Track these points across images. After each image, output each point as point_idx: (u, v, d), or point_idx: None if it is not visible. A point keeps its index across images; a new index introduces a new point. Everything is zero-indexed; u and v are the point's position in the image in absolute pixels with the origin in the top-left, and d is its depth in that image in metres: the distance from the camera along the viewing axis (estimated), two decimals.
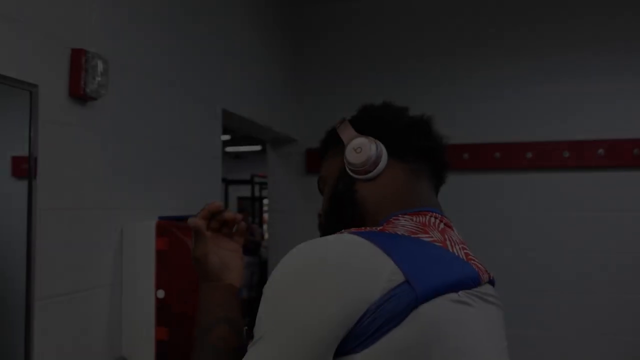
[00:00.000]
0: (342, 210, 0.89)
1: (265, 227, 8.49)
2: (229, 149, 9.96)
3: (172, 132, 2.01)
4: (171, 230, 1.68)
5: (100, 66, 1.52)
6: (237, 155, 11.12)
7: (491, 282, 0.83)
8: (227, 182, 8.71)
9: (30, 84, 1.33)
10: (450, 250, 0.76)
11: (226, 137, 7.89)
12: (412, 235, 0.75)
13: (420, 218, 0.81)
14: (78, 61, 1.48)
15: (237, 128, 3.08)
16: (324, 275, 0.67)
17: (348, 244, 0.70)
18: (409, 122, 0.92)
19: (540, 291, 2.98)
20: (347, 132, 0.91)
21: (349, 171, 0.88)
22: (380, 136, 0.88)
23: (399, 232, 0.76)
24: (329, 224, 0.90)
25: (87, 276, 1.54)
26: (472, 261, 0.78)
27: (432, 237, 0.77)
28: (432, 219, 0.82)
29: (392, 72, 3.23)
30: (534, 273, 2.99)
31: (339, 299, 0.65)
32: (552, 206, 3.00)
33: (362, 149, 0.86)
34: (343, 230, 0.75)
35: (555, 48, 3.02)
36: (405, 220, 0.80)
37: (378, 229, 0.77)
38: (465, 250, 0.79)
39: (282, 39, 3.23)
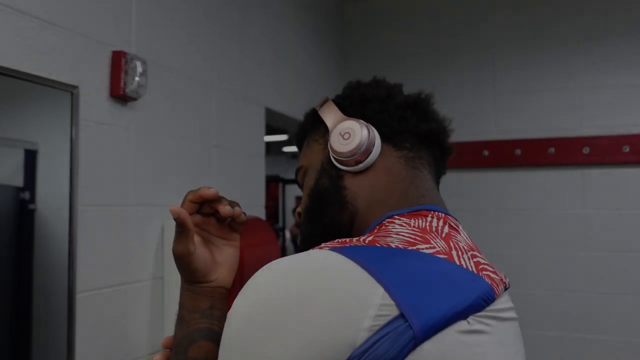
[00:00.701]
0: (326, 210, 0.74)
1: None
2: (286, 149, 10.09)
3: (214, 130, 2.05)
4: None
5: (139, 67, 1.57)
6: (294, 155, 11.25)
7: (506, 288, 0.68)
8: (284, 182, 8.82)
9: (71, 86, 1.39)
10: (457, 262, 0.60)
11: (283, 137, 8.03)
12: (410, 247, 0.58)
13: (420, 221, 0.65)
14: (118, 63, 1.53)
15: (284, 127, 3.10)
16: (292, 315, 0.51)
17: (325, 269, 0.54)
18: (405, 101, 0.76)
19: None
20: (331, 114, 0.75)
21: (334, 161, 0.73)
22: (371, 118, 0.74)
23: (393, 244, 0.59)
24: (310, 227, 0.76)
25: (128, 270, 1.59)
26: (485, 271, 0.62)
27: (434, 247, 0.60)
28: (435, 221, 0.66)
29: (439, 67, 3.16)
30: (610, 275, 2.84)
31: (312, 346, 0.50)
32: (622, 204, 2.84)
33: (350, 134, 0.71)
34: (323, 245, 0.58)
35: (603, 39, 2.86)
36: (400, 225, 0.64)
37: (367, 239, 0.60)
38: (475, 259, 0.63)
39: (328, 36, 3.22)
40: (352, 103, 0.77)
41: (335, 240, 0.59)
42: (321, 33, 3.14)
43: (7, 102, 1.31)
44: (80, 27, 1.44)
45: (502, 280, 0.64)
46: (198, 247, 0.70)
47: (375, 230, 0.65)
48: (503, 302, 0.62)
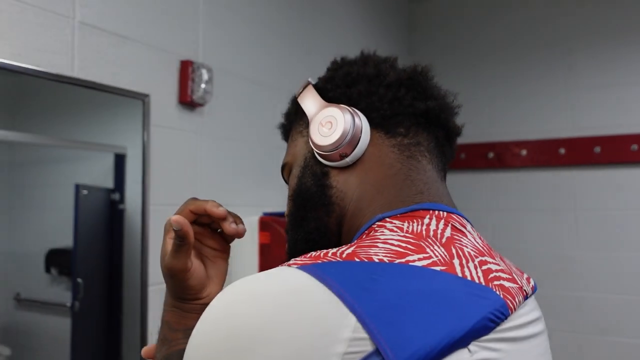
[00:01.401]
0: (310, 214, 0.63)
1: None
2: None
3: (278, 132, 2.12)
4: (272, 225, 1.79)
5: (205, 75, 1.67)
6: None
7: (527, 296, 0.57)
8: None
9: (142, 94, 1.51)
10: (460, 273, 0.49)
11: None
12: (397, 260, 0.48)
13: (414, 224, 0.54)
14: (186, 71, 1.63)
15: None
16: (247, 354, 0.42)
17: (288, 295, 0.44)
18: (397, 78, 0.63)
19: None
20: (310, 101, 0.65)
21: (318, 157, 0.63)
22: (358, 102, 0.63)
23: (376, 256, 0.48)
24: (294, 233, 0.65)
25: None
26: (497, 280, 0.51)
27: (430, 256, 0.49)
28: (433, 223, 0.54)
29: (511, 64, 3.07)
30: None
31: None
32: None
33: (332, 123, 0.60)
34: (293, 261, 0.48)
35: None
36: (391, 230, 0.53)
37: (346, 252, 0.49)
38: (485, 266, 0.52)
39: (394, 36, 3.23)
40: (336, 86, 0.65)
41: (309, 254, 0.49)
42: (387, 33, 3.15)
43: (92, 111, 1.45)
44: (151, 40, 1.55)
45: (521, 288, 0.54)
46: (194, 262, 0.64)
47: (364, 237, 0.55)
48: (523, 315, 0.52)
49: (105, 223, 1.54)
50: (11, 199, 1.56)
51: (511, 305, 0.50)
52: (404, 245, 0.50)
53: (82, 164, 1.54)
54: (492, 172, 3.07)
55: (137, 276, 1.50)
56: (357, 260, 0.47)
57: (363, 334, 0.41)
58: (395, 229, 0.53)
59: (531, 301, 0.58)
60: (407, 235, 0.52)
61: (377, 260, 0.47)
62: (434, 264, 0.49)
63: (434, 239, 0.52)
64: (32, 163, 1.61)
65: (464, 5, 3.26)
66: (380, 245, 0.50)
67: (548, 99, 2.98)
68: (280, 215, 1.86)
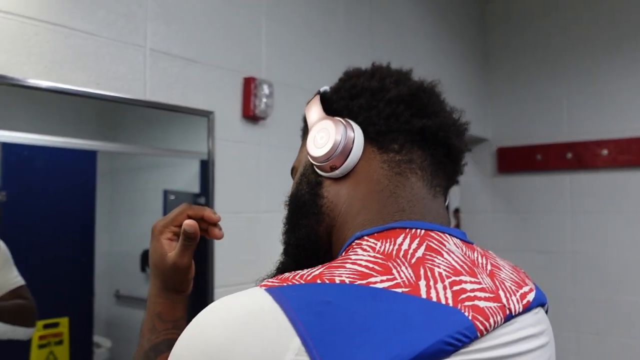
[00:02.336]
0: (302, 221, 0.65)
1: None
2: None
3: None
4: None
5: (266, 89, 1.78)
6: None
7: (515, 314, 0.55)
8: None
9: (207, 111, 1.64)
10: (424, 294, 0.49)
11: None
12: (359, 282, 0.49)
13: (387, 243, 0.54)
14: (248, 88, 1.75)
15: None
16: None
17: (247, 319, 0.47)
18: (398, 94, 0.63)
19: None
20: (313, 111, 0.67)
21: (314, 166, 0.65)
22: (357, 116, 0.64)
23: (340, 278, 0.49)
24: (286, 238, 0.68)
25: (259, 270, 1.80)
26: (470, 301, 0.50)
27: (394, 278, 0.50)
28: (406, 243, 0.55)
29: (590, 63, 2.93)
30: None
31: None
32: None
33: (325, 136, 0.62)
34: (265, 282, 0.51)
35: None
36: (364, 250, 0.54)
37: (312, 274, 0.50)
38: (459, 286, 0.51)
39: (467, 37, 3.18)
40: (341, 97, 0.67)
41: (281, 276, 0.51)
42: (459, 35, 3.12)
43: (168, 127, 1.61)
44: (216, 61, 1.69)
45: (503, 307, 0.53)
46: (192, 263, 0.73)
47: (344, 254, 0.56)
48: (506, 334, 0.52)
49: None
50: (112, 204, 1.76)
51: (481, 327, 0.49)
52: (370, 266, 0.51)
53: (169, 171, 1.70)
54: (571, 173, 2.96)
55: (209, 279, 1.64)
56: (319, 282, 0.49)
57: (305, 357, 0.43)
58: (368, 248, 0.54)
59: (526, 317, 0.56)
60: (376, 255, 0.53)
61: (338, 282, 0.49)
62: (397, 285, 0.49)
63: (403, 259, 0.52)
64: (127, 171, 1.80)
65: (539, 3, 3.15)
66: (348, 265, 0.51)
67: (631, 95, 2.82)
68: None
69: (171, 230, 0.73)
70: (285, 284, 0.49)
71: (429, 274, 0.51)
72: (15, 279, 1.42)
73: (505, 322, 0.52)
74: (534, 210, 3.06)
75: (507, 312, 0.53)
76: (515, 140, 3.14)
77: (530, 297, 0.59)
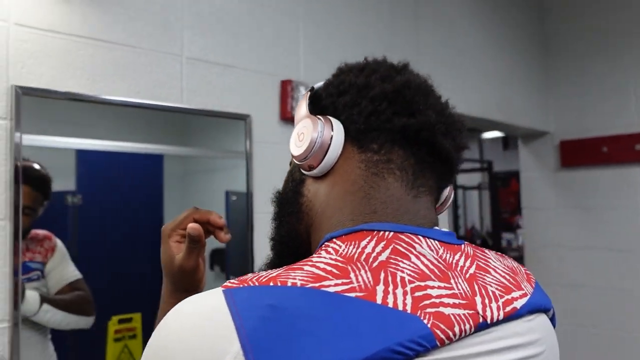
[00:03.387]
0: (284, 219, 0.67)
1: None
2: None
3: None
4: None
5: (303, 92, 1.81)
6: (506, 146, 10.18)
7: (491, 322, 0.52)
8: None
9: (244, 115, 1.70)
10: (380, 300, 0.48)
11: (497, 134, 7.53)
12: (310, 285, 0.48)
13: (351, 246, 0.53)
14: (285, 90, 1.79)
15: (479, 127, 3.06)
16: None
17: (197, 319, 0.48)
18: (382, 91, 0.61)
19: None
20: (300, 109, 0.66)
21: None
22: (341, 113, 0.62)
23: (294, 280, 0.48)
24: (273, 232, 0.69)
25: None
26: (433, 307, 0.49)
27: (350, 282, 0.49)
28: (371, 245, 0.53)
29: None
30: None
31: None
32: None
33: (304, 134, 0.61)
34: (228, 282, 0.50)
35: None
36: (328, 252, 0.53)
37: (269, 276, 0.50)
38: (423, 291, 0.49)
39: (521, 23, 3.07)
40: (329, 94, 0.65)
41: (244, 276, 0.51)
42: (514, 22, 3.01)
43: (216, 131, 1.69)
44: (252, 65, 1.74)
45: (476, 314, 0.50)
46: (200, 263, 0.74)
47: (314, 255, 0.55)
48: (477, 344, 0.50)
49: (244, 227, 1.76)
50: (180, 205, 1.86)
51: (442, 335, 0.47)
52: (328, 269, 0.50)
53: (231, 173, 1.77)
54: None
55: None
56: (272, 284, 0.48)
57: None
58: (332, 250, 0.53)
59: (511, 326, 0.53)
60: (337, 258, 0.51)
61: (290, 285, 0.48)
62: (352, 289, 0.48)
63: (364, 263, 0.51)
64: (193, 173, 1.91)
65: None
66: (306, 268, 0.50)
67: None
68: None
69: (179, 234, 0.74)
70: (241, 286, 0.49)
71: (389, 278, 0.50)
72: (72, 272, 1.54)
73: (478, 330, 0.50)
74: (601, 206, 2.90)
75: (480, 319, 0.50)
76: (579, 133, 2.99)
77: (519, 303, 0.55)
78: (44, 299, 1.42)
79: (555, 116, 3.11)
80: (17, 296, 1.27)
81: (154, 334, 0.51)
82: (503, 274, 0.58)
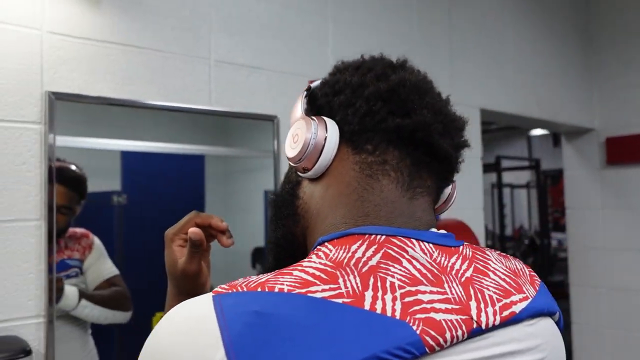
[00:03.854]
0: (281, 221, 0.66)
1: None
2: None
3: None
4: None
5: None
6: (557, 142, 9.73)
7: (486, 327, 0.50)
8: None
9: (271, 116, 1.71)
10: (368, 306, 0.47)
11: (543, 132, 7.28)
12: (297, 291, 0.47)
13: (341, 251, 0.52)
14: None
15: (522, 125, 2.98)
16: None
17: (186, 323, 0.48)
18: (377, 90, 0.59)
19: None
20: (294, 110, 0.65)
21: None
22: (336, 113, 0.61)
23: (281, 286, 0.48)
24: (270, 234, 0.68)
25: None
26: (424, 313, 0.47)
27: (338, 287, 0.48)
28: (361, 250, 0.52)
29: None
30: None
31: None
32: None
33: (298, 136, 0.61)
34: (219, 287, 0.50)
35: None
36: (318, 257, 0.52)
37: (258, 282, 0.49)
38: (413, 297, 0.48)
39: (563, 16, 2.96)
40: (325, 94, 0.63)
41: (235, 281, 0.51)
42: (556, 15, 2.91)
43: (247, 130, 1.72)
44: (280, 67, 1.76)
45: (469, 319, 0.49)
46: (203, 267, 0.74)
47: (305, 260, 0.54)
48: (471, 350, 0.49)
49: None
50: (223, 204, 1.91)
51: (431, 342, 0.46)
52: (317, 274, 0.49)
53: (267, 172, 1.81)
54: None
55: None
56: (259, 290, 0.47)
57: None
58: (322, 255, 0.52)
59: (509, 331, 0.52)
60: (327, 263, 0.50)
61: (277, 290, 0.47)
62: (339, 295, 0.47)
63: (353, 268, 0.50)
64: (233, 173, 1.95)
65: None
66: (295, 273, 0.49)
67: None
68: None
69: (181, 238, 0.73)
70: (230, 291, 0.48)
71: (378, 284, 0.49)
72: (109, 269, 1.60)
73: (472, 336, 0.48)
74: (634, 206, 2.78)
75: (474, 325, 0.49)
76: (626, 129, 2.87)
77: (519, 307, 0.53)
78: (82, 295, 1.48)
79: (600, 112, 2.99)
80: (52, 292, 1.33)
81: (148, 337, 0.51)
82: (503, 277, 0.56)
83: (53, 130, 1.33)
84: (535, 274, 0.63)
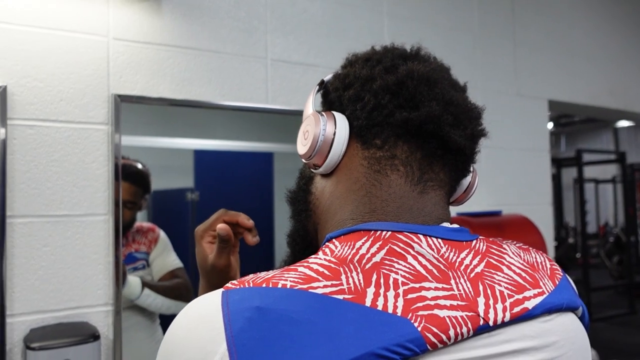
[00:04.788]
0: (296, 217, 0.67)
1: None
2: None
3: (491, 131, 2.11)
4: (462, 226, 1.82)
5: None
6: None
7: (494, 324, 0.49)
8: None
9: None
10: (370, 303, 0.46)
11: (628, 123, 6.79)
12: (299, 287, 0.47)
13: (346, 247, 0.52)
14: None
15: (596, 116, 2.82)
16: None
17: (194, 321, 0.49)
18: (384, 82, 0.58)
19: None
20: (307, 105, 0.64)
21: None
22: (346, 108, 0.60)
23: (285, 281, 0.48)
24: (287, 234, 0.69)
25: None
26: (426, 310, 0.47)
27: (340, 283, 0.47)
28: (366, 246, 0.51)
29: None
30: None
31: None
32: None
33: (308, 132, 0.60)
34: (230, 282, 0.51)
35: None
36: (324, 253, 0.52)
37: (266, 277, 0.50)
38: (417, 293, 0.48)
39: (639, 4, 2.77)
40: (335, 88, 0.63)
41: (244, 277, 0.51)
42: (628, 1, 2.73)
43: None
44: (336, 63, 1.77)
45: (476, 316, 0.48)
46: (231, 258, 0.76)
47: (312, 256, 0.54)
48: (471, 348, 0.47)
49: None
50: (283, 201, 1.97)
51: (433, 339, 0.45)
52: (320, 270, 0.49)
53: None
54: None
55: None
56: (264, 286, 0.48)
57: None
58: (328, 251, 0.52)
59: (521, 327, 0.50)
60: (331, 259, 0.50)
61: (280, 287, 0.47)
62: (340, 292, 0.46)
63: (357, 264, 0.49)
64: (290, 170, 2.00)
65: None
66: (300, 269, 0.49)
67: None
68: (472, 215, 1.87)
69: (210, 235, 0.76)
70: (239, 287, 0.49)
71: (381, 280, 0.48)
72: (174, 261, 1.68)
73: (478, 333, 0.47)
74: None
75: (481, 322, 0.47)
76: None
77: (532, 303, 0.51)
78: (145, 284, 1.57)
79: None
80: (119, 282, 1.43)
81: (166, 334, 0.53)
82: (518, 271, 0.54)
83: (119, 131, 1.42)
84: (557, 268, 0.60)
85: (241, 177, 1.87)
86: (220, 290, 0.49)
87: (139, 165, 1.59)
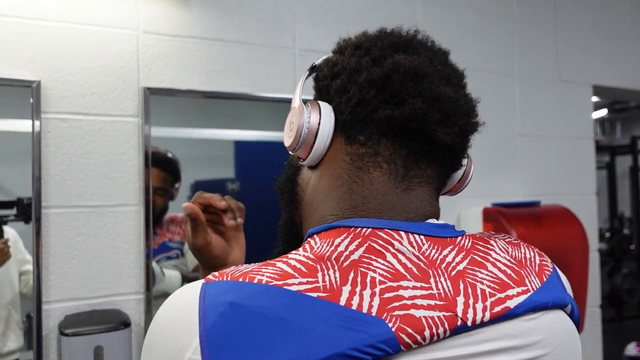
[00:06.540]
0: (284, 205, 0.66)
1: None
2: None
3: (504, 122, 2.04)
4: (496, 216, 1.77)
5: None
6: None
7: (472, 324, 0.47)
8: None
9: None
10: (344, 301, 0.45)
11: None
12: (274, 283, 0.46)
13: (325, 244, 0.50)
14: None
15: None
16: (146, 352, 0.50)
17: (174, 309, 0.49)
18: (369, 76, 0.55)
19: None
20: (295, 95, 0.61)
21: None
22: (332, 99, 0.58)
23: (261, 277, 0.47)
24: (279, 226, 0.68)
25: None
26: (403, 310, 0.45)
27: (315, 281, 0.46)
28: (344, 243, 0.50)
29: None
30: None
31: None
32: None
33: (292, 124, 0.59)
34: (212, 274, 0.50)
35: None
36: (304, 249, 0.51)
37: (243, 271, 0.49)
38: (394, 292, 0.46)
39: None
40: (324, 76, 0.60)
41: (224, 270, 0.50)
42: None
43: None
44: None
45: (454, 316, 0.47)
46: (213, 237, 0.76)
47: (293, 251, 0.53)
48: (447, 348, 0.46)
49: None
50: None
51: (408, 340, 0.44)
52: (298, 266, 0.48)
53: None
54: None
55: None
56: (240, 280, 0.47)
57: (198, 357, 0.43)
58: (308, 248, 0.51)
59: (503, 327, 0.49)
60: (309, 256, 0.49)
61: (256, 282, 0.46)
62: (315, 289, 0.46)
63: (334, 262, 0.48)
64: None
65: None
66: (278, 264, 0.49)
67: None
68: (507, 205, 1.81)
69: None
70: (219, 279, 0.48)
71: (358, 279, 0.47)
72: None
73: (456, 333, 0.46)
74: None
75: (459, 322, 0.46)
76: None
77: (514, 302, 0.50)
78: (185, 279, 1.60)
79: None
80: (149, 271, 1.46)
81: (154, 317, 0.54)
82: (504, 268, 0.53)
83: (149, 122, 1.45)
84: (548, 263, 0.58)
85: (280, 167, 1.88)
86: (201, 281, 0.49)
87: (169, 154, 1.62)
